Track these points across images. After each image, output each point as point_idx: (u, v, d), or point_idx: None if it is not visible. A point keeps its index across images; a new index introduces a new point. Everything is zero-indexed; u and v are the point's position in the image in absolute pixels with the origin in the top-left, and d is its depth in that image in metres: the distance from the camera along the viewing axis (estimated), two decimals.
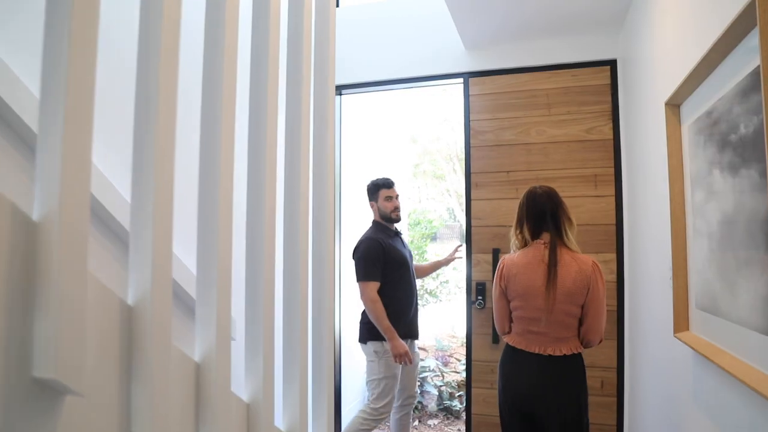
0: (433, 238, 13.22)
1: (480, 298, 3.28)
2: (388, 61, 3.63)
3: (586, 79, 3.18)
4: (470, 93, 3.40)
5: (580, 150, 3.16)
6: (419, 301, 8.53)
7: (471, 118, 3.39)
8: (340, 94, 3.88)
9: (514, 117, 3.29)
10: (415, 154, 16.90)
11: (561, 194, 2.62)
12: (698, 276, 1.62)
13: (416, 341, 3.24)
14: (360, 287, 2.97)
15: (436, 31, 3.49)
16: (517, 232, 2.29)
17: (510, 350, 2.24)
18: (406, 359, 2.90)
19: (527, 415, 2.15)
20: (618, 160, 3.09)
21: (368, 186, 3.27)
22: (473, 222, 3.35)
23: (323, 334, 1.09)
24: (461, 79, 3.45)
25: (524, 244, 2.25)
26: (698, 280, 1.62)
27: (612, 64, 3.12)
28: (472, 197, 3.36)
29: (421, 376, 4.76)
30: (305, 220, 1.10)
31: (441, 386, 4.63)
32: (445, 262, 3.65)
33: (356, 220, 4.45)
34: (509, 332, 2.29)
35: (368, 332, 3.02)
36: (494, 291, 2.32)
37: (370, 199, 3.23)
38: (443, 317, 8.89)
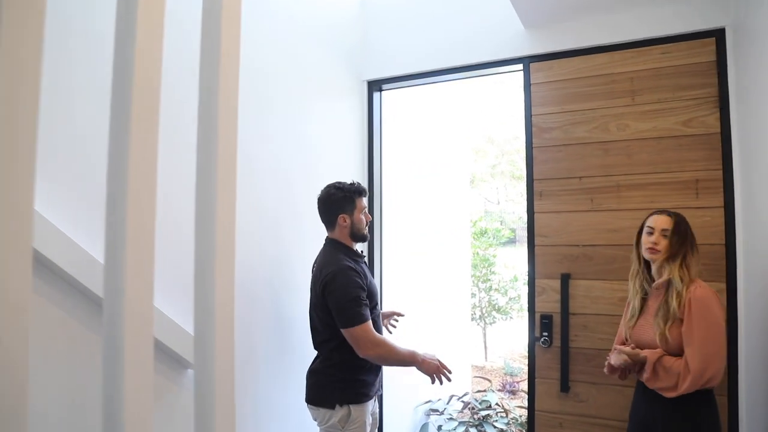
0: (511, 241, 12.46)
1: (545, 334, 2.64)
2: (430, 49, 3.06)
3: (683, 56, 2.47)
4: (531, 81, 2.77)
5: (676, 148, 2.46)
6: (485, 321, 7.77)
7: (533, 113, 2.76)
8: (380, 90, 3.35)
9: (588, 109, 2.63)
10: (493, 155, 16.21)
11: (651, 205, 2.45)
12: None
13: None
14: (354, 334, 2.11)
15: (486, 8, 2.89)
16: (691, 257, 1.99)
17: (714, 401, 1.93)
18: (445, 370, 2.22)
19: None
20: (728, 160, 2.36)
21: (335, 196, 2.29)
22: (537, 240, 2.71)
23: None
24: (520, 66, 2.83)
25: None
26: None
27: (719, 34, 2.39)
28: (536, 209, 2.73)
29: (482, 413, 4.13)
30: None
31: (504, 429, 3.96)
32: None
33: (407, 236, 3.92)
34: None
35: (340, 391, 2.19)
36: (723, 327, 1.90)
37: (340, 212, 2.29)
38: (513, 336, 8.16)
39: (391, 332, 2.66)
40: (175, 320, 1.83)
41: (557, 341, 2.62)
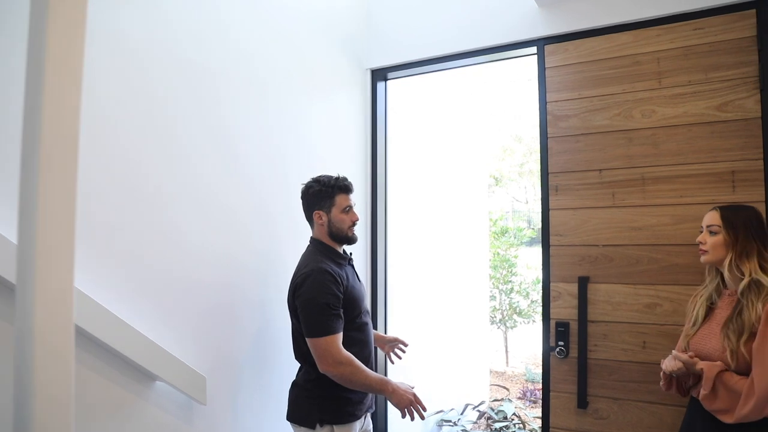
0: (535, 241, 12.04)
1: (561, 343, 2.38)
2: (437, 33, 2.83)
3: (717, 32, 2.19)
4: (546, 65, 2.52)
5: (709, 136, 2.18)
6: (506, 325, 7.36)
7: (548, 99, 2.50)
8: (385, 79, 3.13)
9: (609, 94, 2.37)
10: (521, 153, 15.85)
11: (680, 200, 2.25)
12: None
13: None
14: (317, 346, 1.87)
15: None
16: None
17: None
18: (419, 405, 1.95)
19: None
20: None
21: (312, 189, 2.06)
22: (552, 240, 2.46)
23: None
24: (534, 48, 2.57)
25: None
26: None
27: (758, 5, 2.11)
28: (551, 206, 2.47)
29: (497, 425, 3.87)
30: None
31: None
32: (378, 343, 2.40)
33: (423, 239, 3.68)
34: None
35: (318, 410, 1.95)
36: None
37: (315, 208, 2.06)
38: (536, 340, 7.85)
39: (393, 362, 2.43)
40: (140, 330, 1.65)
41: (574, 351, 2.36)
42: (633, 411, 2.26)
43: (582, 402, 2.32)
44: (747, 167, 2.11)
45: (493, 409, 4.25)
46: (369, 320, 2.15)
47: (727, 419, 1.57)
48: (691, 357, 1.68)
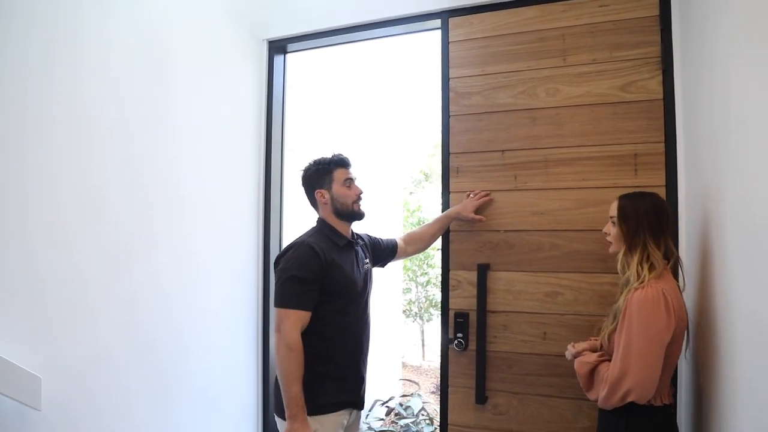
0: None
1: (460, 335, 2.23)
2: (337, 2, 2.61)
3: (621, 10, 2.11)
4: (450, 39, 2.36)
5: (612, 117, 2.09)
6: (422, 318, 7.27)
7: (451, 75, 2.34)
8: (285, 52, 2.87)
9: (513, 71, 2.24)
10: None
11: (582, 183, 2.14)
12: None
13: (361, 413, 2.14)
14: (276, 316, 1.82)
15: None
16: (654, 247, 1.57)
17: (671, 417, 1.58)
18: None
19: None
20: (671, 131, 2.01)
21: (310, 171, 2.04)
22: (451, 224, 2.30)
23: None
24: (438, 21, 2.40)
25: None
26: None
27: None
28: (452, 188, 2.32)
29: (403, 421, 3.72)
30: None
31: None
32: (456, 215, 2.24)
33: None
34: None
35: None
36: (657, 335, 1.46)
37: (316, 187, 2.01)
38: None
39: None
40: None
41: (473, 344, 2.21)
42: (533, 405, 2.14)
43: (480, 397, 2.18)
44: (649, 150, 2.04)
45: (401, 405, 4.10)
46: (363, 312, 2.02)
47: (599, 404, 1.58)
48: (578, 352, 1.73)
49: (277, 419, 1.92)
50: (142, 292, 2.01)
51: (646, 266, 1.54)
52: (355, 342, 1.97)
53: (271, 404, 1.94)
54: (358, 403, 1.98)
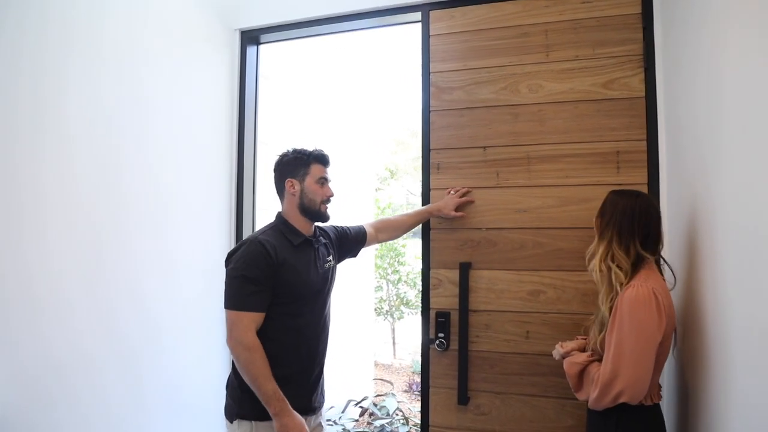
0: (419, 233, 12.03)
1: (441, 335, 2.19)
2: None
3: (604, 6, 2.10)
4: (431, 32, 2.31)
5: (595, 114, 2.08)
6: (393, 316, 7.21)
7: (432, 70, 2.30)
8: (258, 43, 2.78)
9: (496, 66, 2.21)
10: (416, 148, 15.86)
11: (565, 180, 2.11)
12: None
13: (320, 413, 2.01)
14: (227, 318, 1.73)
15: None
16: (616, 247, 1.54)
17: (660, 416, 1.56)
18: None
19: None
20: (653, 128, 2.01)
21: (287, 158, 1.94)
22: (432, 222, 2.26)
23: None
24: (418, 14, 2.35)
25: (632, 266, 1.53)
26: None
27: None
28: (432, 185, 2.27)
29: (378, 422, 3.67)
30: None
31: None
32: (436, 212, 2.21)
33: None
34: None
35: (237, 403, 1.78)
36: (650, 336, 1.43)
37: (289, 176, 1.91)
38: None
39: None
40: None
41: (455, 344, 2.17)
42: (515, 405, 2.12)
43: (462, 398, 2.14)
44: (631, 148, 2.03)
45: (375, 405, 4.05)
46: (321, 312, 1.93)
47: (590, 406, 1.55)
48: (567, 352, 1.69)
49: (226, 422, 1.82)
50: (117, 289, 1.94)
51: (613, 265, 1.52)
52: (309, 345, 1.87)
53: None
54: (309, 408, 1.88)
